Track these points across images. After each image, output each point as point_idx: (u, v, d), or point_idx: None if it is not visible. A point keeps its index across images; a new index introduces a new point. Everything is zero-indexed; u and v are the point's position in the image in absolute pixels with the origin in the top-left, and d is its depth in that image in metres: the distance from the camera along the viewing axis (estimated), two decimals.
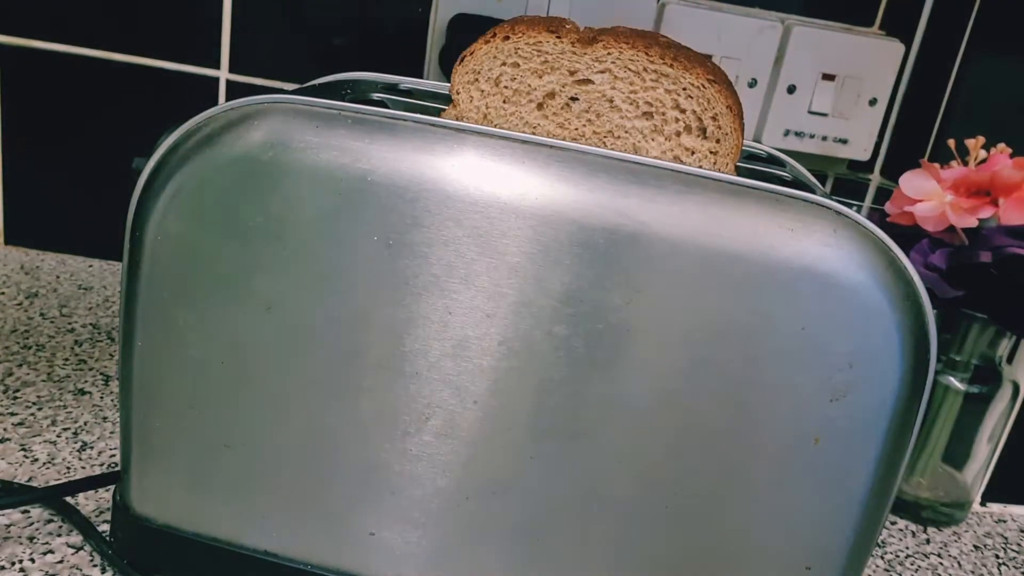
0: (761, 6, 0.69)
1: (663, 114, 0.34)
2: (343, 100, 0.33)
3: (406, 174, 0.32)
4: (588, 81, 0.35)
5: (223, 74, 0.70)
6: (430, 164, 0.32)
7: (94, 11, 0.68)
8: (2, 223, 0.74)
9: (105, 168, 0.72)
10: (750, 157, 0.43)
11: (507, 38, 0.35)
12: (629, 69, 0.34)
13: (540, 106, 0.35)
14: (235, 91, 0.71)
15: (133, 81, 0.70)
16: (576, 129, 0.35)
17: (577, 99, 0.35)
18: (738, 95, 0.35)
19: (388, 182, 0.32)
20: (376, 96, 0.39)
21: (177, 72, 0.70)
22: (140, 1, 0.68)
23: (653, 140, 0.35)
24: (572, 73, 0.35)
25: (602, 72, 0.34)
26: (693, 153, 0.35)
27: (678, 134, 0.35)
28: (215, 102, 0.71)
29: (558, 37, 0.35)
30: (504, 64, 0.35)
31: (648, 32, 0.35)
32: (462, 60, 0.36)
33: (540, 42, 0.35)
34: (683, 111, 0.34)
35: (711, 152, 0.35)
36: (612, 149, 0.33)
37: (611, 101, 0.35)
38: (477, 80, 0.35)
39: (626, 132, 0.35)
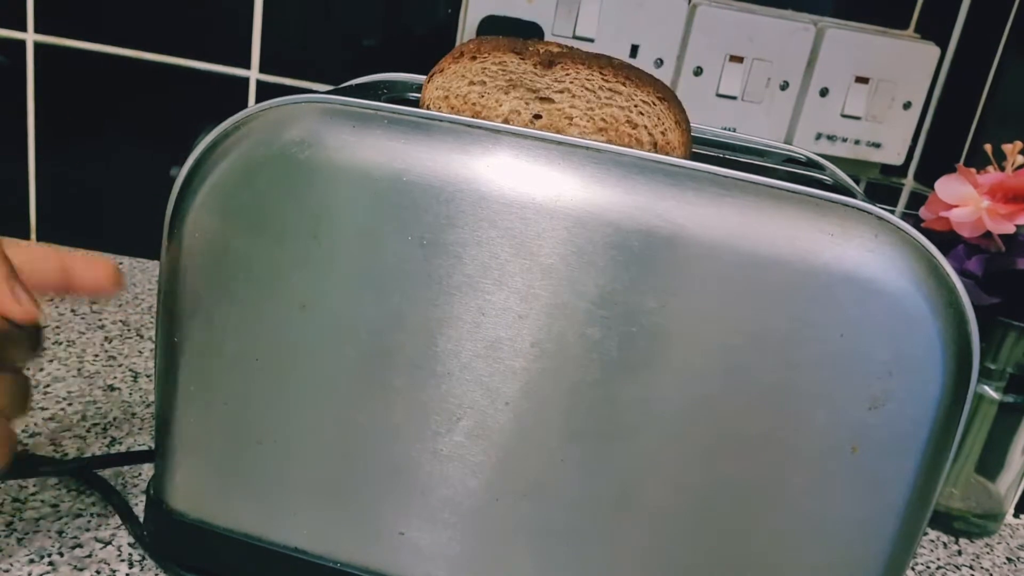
0: (794, 8, 0.68)
1: (616, 129, 0.36)
2: (379, 100, 0.33)
3: (441, 174, 0.32)
4: (549, 100, 0.36)
5: (253, 74, 0.71)
6: (465, 164, 0.32)
7: (127, 11, 0.69)
8: (34, 220, 0.75)
9: (136, 167, 0.73)
10: (788, 160, 0.43)
11: (474, 58, 0.37)
12: (586, 88, 0.36)
13: (506, 121, 0.37)
14: (265, 91, 0.71)
15: (164, 80, 0.71)
16: None
17: (540, 116, 0.37)
18: (686, 112, 0.38)
19: (423, 182, 0.32)
20: (412, 96, 0.39)
21: (208, 72, 0.71)
22: (172, 1, 0.69)
23: None
24: (535, 92, 0.37)
25: (561, 92, 0.36)
26: None
27: (631, 147, 0.36)
28: (245, 102, 0.71)
29: (521, 58, 0.36)
30: (472, 83, 0.37)
31: (602, 55, 0.37)
32: (431, 77, 0.37)
33: (505, 62, 0.36)
34: (635, 126, 0.36)
35: None
36: None
37: (570, 119, 0.36)
38: (448, 97, 0.37)
39: None
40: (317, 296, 0.33)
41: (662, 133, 0.36)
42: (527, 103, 0.36)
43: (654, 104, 0.36)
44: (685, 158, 0.35)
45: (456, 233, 0.32)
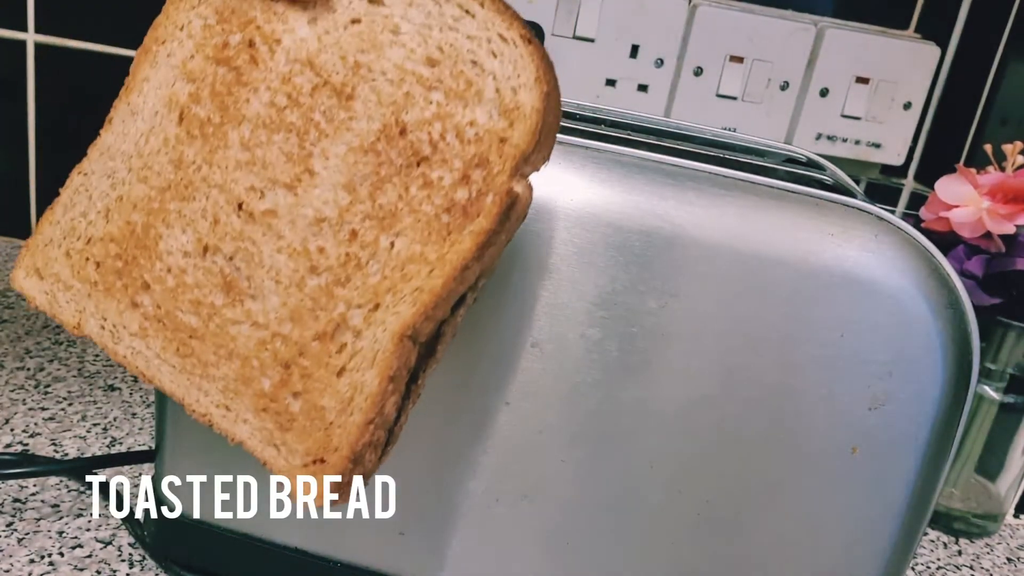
0: (794, 8, 0.68)
1: (453, 67, 0.26)
2: None
3: None
4: (380, 1, 0.27)
5: None
6: None
7: (127, 11, 0.69)
8: (35, 220, 0.75)
9: None
10: (788, 160, 0.43)
11: None
12: None
13: (313, 21, 0.28)
14: None
15: None
16: (342, 56, 0.27)
17: (359, 21, 0.27)
18: (555, 74, 0.26)
19: None
20: None
21: None
22: None
23: (427, 102, 0.26)
24: None
25: None
26: (476, 132, 0.26)
27: (466, 101, 0.26)
28: None
29: None
30: None
31: None
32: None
33: None
34: (481, 70, 0.26)
35: (500, 140, 0.26)
36: (374, 104, 0.27)
37: (396, 32, 0.27)
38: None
39: (398, 81, 0.27)
40: None
41: (513, 90, 0.25)
42: (350, 2, 0.27)
43: (516, 45, 0.25)
44: (536, 132, 0.26)
45: None
